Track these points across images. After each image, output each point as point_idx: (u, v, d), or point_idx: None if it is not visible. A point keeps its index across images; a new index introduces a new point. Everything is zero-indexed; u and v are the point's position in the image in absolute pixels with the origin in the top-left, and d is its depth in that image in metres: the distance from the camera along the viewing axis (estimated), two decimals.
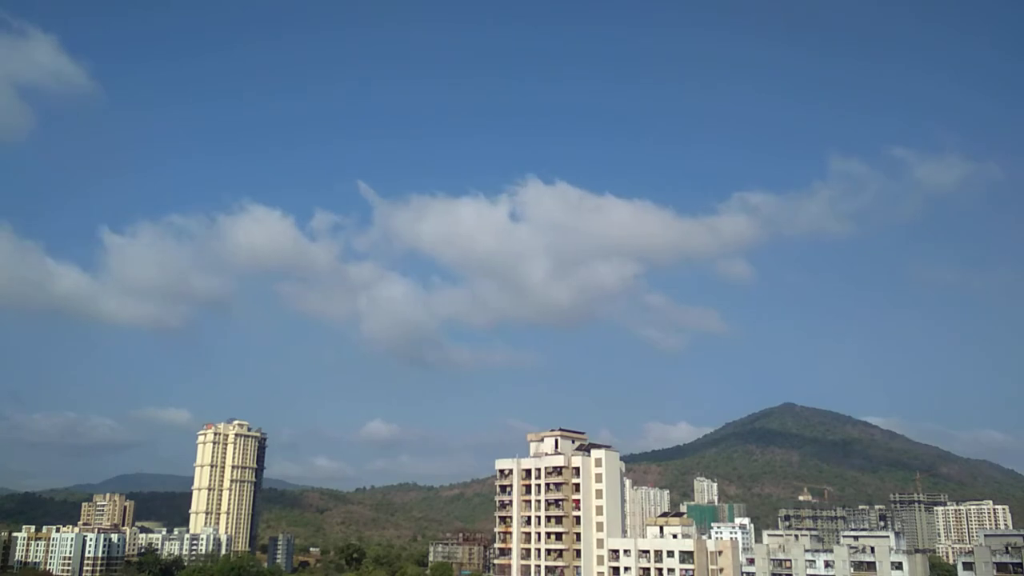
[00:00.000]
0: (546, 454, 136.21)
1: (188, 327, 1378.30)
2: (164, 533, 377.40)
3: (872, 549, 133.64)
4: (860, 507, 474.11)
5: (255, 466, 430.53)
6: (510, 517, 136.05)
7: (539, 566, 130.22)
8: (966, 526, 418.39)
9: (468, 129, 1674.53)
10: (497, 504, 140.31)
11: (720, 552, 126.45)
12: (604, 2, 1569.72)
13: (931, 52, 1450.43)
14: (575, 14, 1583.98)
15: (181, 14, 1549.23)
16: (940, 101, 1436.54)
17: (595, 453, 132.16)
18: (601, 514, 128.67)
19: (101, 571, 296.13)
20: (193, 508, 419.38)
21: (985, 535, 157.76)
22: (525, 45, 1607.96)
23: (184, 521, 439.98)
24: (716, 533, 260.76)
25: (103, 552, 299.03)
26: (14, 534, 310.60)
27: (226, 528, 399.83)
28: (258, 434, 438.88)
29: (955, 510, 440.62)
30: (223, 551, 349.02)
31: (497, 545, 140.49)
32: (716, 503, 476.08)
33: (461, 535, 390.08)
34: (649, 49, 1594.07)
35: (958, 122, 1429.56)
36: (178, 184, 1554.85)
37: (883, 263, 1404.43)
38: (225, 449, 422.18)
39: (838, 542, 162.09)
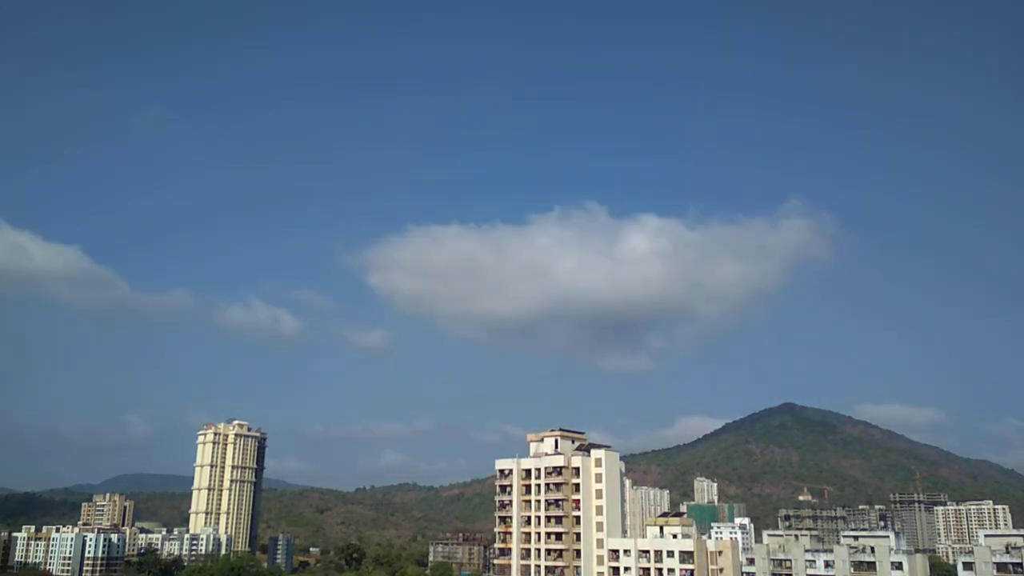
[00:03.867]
0: (546, 454, 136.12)
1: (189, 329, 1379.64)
2: (164, 533, 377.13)
3: (872, 549, 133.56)
4: (860, 507, 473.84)
5: (255, 466, 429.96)
6: (510, 517, 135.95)
7: (539, 566, 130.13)
8: (966, 526, 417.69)
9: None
10: (497, 504, 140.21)
11: (720, 552, 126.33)
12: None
13: (939, 63, 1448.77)
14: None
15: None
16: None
17: (595, 453, 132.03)
18: (601, 514, 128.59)
19: (101, 571, 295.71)
20: (193, 508, 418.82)
21: (985, 535, 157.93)
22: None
23: (184, 521, 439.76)
24: (716, 533, 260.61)
25: (103, 552, 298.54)
26: (14, 534, 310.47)
27: (226, 528, 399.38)
28: (258, 434, 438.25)
29: (955, 510, 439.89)
30: (223, 551, 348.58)
31: (497, 545, 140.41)
32: (716, 503, 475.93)
33: (461, 535, 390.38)
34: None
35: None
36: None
37: (882, 263, 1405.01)
38: (225, 449, 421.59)
39: (838, 542, 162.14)
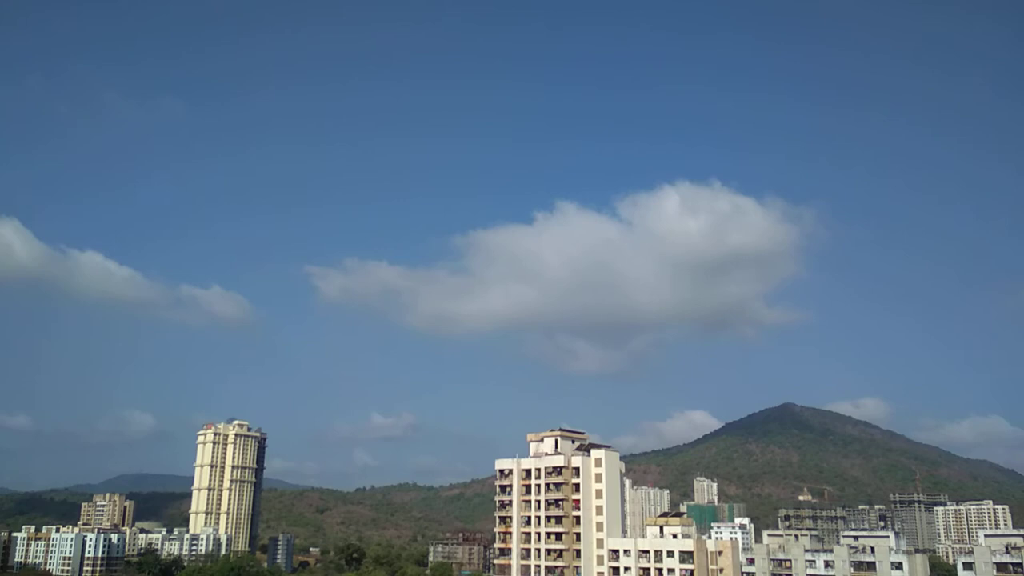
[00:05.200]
0: (546, 454, 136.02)
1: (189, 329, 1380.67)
2: (164, 533, 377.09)
3: (872, 549, 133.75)
4: (860, 507, 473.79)
5: (255, 466, 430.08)
6: (510, 517, 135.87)
7: (539, 566, 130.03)
8: (966, 526, 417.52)
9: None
10: (497, 504, 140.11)
11: (720, 552, 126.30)
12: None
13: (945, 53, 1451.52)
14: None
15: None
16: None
17: (595, 453, 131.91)
18: (601, 514, 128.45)
19: (101, 571, 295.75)
20: (193, 508, 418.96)
21: (985, 535, 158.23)
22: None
23: (184, 521, 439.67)
24: (716, 533, 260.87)
25: (103, 552, 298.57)
26: (14, 534, 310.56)
27: (226, 528, 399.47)
28: (258, 434, 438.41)
29: (955, 510, 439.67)
30: (223, 551, 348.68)
31: (497, 545, 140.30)
32: (716, 503, 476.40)
33: (461, 535, 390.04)
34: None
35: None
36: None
37: (881, 264, 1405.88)
38: (225, 449, 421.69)
39: (838, 542, 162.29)
